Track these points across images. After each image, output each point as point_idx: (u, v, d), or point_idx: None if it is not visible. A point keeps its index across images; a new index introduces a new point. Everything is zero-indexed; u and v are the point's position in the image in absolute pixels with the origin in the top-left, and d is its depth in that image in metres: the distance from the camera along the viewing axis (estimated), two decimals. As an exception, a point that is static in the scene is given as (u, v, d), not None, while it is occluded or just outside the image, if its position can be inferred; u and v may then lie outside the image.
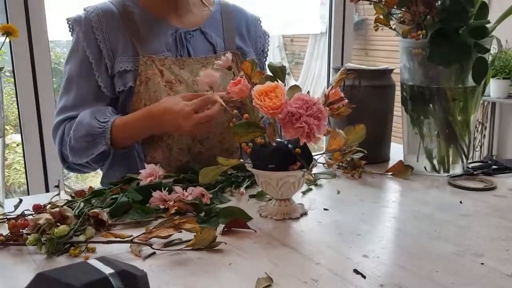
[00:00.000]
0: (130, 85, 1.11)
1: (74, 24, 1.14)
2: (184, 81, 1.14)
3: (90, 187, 0.98)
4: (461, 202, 0.99)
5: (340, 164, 1.18)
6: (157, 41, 1.14)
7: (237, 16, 1.27)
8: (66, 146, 1.10)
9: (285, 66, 0.92)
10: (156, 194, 0.91)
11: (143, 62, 1.11)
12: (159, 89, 1.11)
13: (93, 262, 0.50)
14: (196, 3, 1.23)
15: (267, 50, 1.33)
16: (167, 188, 0.93)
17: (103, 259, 0.50)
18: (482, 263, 0.73)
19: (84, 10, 1.15)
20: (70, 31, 1.17)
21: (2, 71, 0.88)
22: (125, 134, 1.08)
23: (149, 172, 0.99)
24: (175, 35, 1.16)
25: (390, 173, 1.16)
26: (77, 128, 1.07)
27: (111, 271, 0.48)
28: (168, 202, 0.90)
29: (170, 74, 1.13)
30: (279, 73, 0.90)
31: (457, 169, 1.16)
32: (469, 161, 1.19)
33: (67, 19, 1.15)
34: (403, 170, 1.15)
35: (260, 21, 1.32)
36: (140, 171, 1.00)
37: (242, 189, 1.02)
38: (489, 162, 1.22)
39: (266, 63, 1.14)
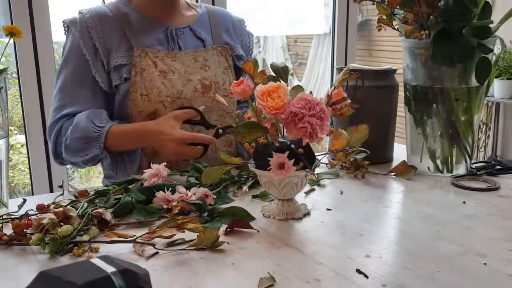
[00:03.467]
0: (125, 77, 1.17)
1: (70, 24, 1.20)
2: (176, 71, 1.21)
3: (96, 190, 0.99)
4: (464, 202, 0.99)
5: (343, 164, 1.19)
6: (150, 36, 1.22)
7: (223, 17, 1.36)
8: (62, 144, 1.14)
9: (287, 66, 0.92)
10: (159, 194, 0.92)
11: (137, 54, 1.18)
12: (154, 78, 1.18)
13: (95, 261, 0.50)
14: (185, 7, 1.32)
15: (252, 48, 1.41)
16: (170, 189, 0.93)
17: (106, 258, 0.51)
18: (485, 264, 0.73)
19: (80, 12, 1.22)
20: (65, 32, 1.23)
21: (7, 72, 0.88)
22: (118, 141, 1.12)
23: (153, 173, 0.99)
24: (166, 31, 1.24)
25: (393, 173, 1.15)
26: (73, 130, 1.12)
27: (113, 269, 0.48)
28: (171, 202, 0.90)
29: (163, 65, 1.20)
30: (281, 73, 0.90)
31: (461, 170, 1.16)
32: (472, 161, 1.19)
33: (63, 21, 1.22)
34: (406, 171, 1.14)
35: (244, 22, 1.40)
36: (144, 171, 1.00)
37: (245, 187, 1.02)
38: (493, 162, 1.21)
39: None
